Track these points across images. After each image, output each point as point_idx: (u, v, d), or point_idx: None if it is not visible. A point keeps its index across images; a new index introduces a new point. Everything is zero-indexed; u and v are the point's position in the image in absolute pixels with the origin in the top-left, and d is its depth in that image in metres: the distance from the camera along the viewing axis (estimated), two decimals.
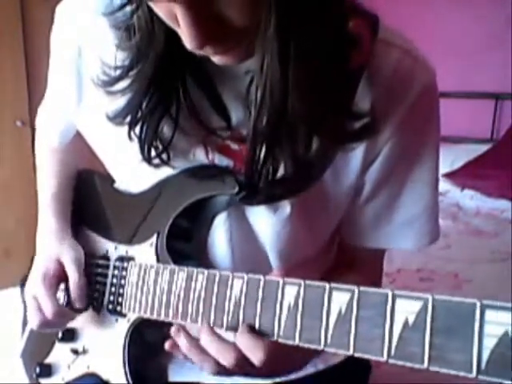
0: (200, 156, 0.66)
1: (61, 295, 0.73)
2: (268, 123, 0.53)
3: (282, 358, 0.55)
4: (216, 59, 0.53)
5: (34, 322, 0.74)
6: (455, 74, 2.80)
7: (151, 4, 0.50)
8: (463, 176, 2.61)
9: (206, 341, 0.56)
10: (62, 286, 0.73)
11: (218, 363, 0.56)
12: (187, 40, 0.47)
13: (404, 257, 1.76)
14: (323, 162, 0.61)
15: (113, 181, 0.78)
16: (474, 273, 1.75)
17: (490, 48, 2.98)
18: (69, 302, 0.73)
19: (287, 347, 0.52)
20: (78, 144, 0.82)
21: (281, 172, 0.58)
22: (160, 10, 0.50)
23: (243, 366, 0.55)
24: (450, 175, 2.64)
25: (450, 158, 2.68)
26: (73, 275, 0.73)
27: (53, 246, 0.77)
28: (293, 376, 0.76)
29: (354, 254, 0.75)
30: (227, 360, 0.55)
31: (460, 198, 2.58)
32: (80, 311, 0.74)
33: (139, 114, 0.62)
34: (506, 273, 1.69)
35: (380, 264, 0.79)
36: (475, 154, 2.76)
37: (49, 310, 0.72)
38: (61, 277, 0.74)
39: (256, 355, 0.53)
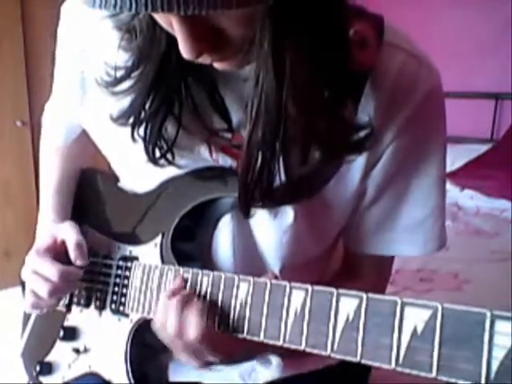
0: (204, 155, 0.66)
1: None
2: (263, 135, 0.53)
3: (218, 343, 0.57)
4: (215, 65, 0.53)
5: (43, 292, 0.71)
6: (455, 74, 2.79)
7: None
8: (463, 176, 2.60)
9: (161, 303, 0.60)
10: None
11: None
12: (183, 50, 0.48)
13: (404, 257, 1.76)
14: (323, 174, 0.60)
15: (117, 180, 0.78)
16: (474, 273, 1.75)
17: (490, 48, 2.97)
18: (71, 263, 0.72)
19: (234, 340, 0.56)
20: (82, 143, 0.82)
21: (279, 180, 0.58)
22: (158, 17, 0.50)
23: (181, 336, 0.57)
24: (450, 175, 2.64)
25: (450, 158, 2.68)
26: (69, 235, 0.73)
27: (47, 229, 0.77)
28: (291, 372, 0.77)
29: (359, 261, 0.75)
30: (170, 323, 0.58)
31: (460, 198, 2.57)
32: (83, 268, 0.73)
33: (142, 114, 0.62)
34: (506, 273, 1.69)
35: (387, 272, 0.78)
36: (475, 154, 2.76)
37: (53, 273, 0.70)
38: (55, 249, 0.73)
39: (189, 329, 0.56)
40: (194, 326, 0.56)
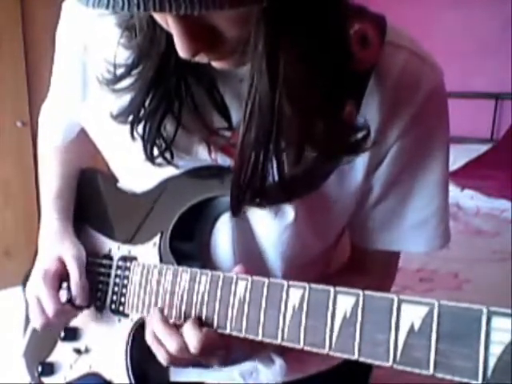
0: (203, 155, 0.66)
1: (63, 293, 0.73)
2: (257, 136, 0.53)
3: (221, 350, 0.58)
4: (213, 63, 0.53)
5: (36, 322, 0.74)
6: (455, 74, 2.79)
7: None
8: (463, 176, 2.61)
9: (156, 328, 0.59)
10: (65, 284, 0.74)
11: (167, 351, 0.59)
12: (179, 49, 0.48)
13: (404, 256, 1.75)
14: (318, 174, 0.60)
15: (116, 180, 0.78)
16: (474, 273, 1.75)
17: (490, 48, 2.98)
18: (70, 300, 0.73)
19: (230, 341, 0.56)
20: (80, 143, 0.82)
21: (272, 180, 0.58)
22: (156, 15, 0.50)
23: (184, 354, 0.57)
24: (450, 175, 2.63)
25: (450, 158, 2.65)
26: (74, 273, 0.74)
27: (54, 245, 0.77)
28: (292, 375, 0.77)
29: (365, 256, 0.75)
30: (171, 345, 0.57)
31: (460, 198, 2.58)
32: (81, 308, 0.74)
33: (142, 112, 0.62)
34: (506, 273, 1.69)
35: (394, 265, 0.79)
36: (475, 154, 2.76)
37: (50, 310, 0.72)
38: (62, 275, 0.75)
39: (192, 343, 0.56)
40: (193, 341, 0.56)
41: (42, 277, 0.73)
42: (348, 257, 0.79)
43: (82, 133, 0.79)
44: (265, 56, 0.48)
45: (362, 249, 0.74)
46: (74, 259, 0.75)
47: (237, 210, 0.61)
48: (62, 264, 0.75)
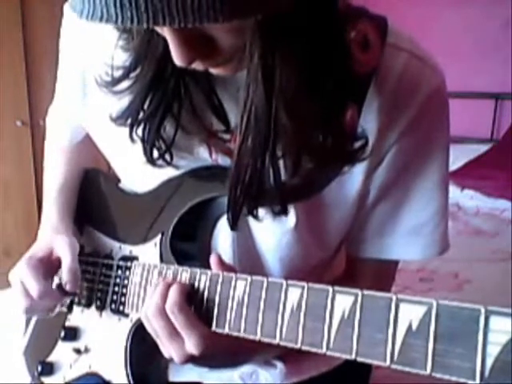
0: (204, 156, 0.66)
1: (55, 279, 0.72)
2: (253, 147, 0.53)
3: (208, 340, 0.56)
4: (210, 70, 0.53)
5: (21, 306, 0.72)
6: (455, 74, 2.79)
7: None
8: (463, 176, 2.60)
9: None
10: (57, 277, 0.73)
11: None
12: (175, 57, 0.48)
13: (404, 261, 1.76)
14: (315, 183, 0.60)
15: (118, 181, 0.78)
16: (474, 273, 1.75)
17: (490, 48, 2.97)
18: (60, 286, 0.71)
19: (222, 337, 0.55)
20: (86, 145, 0.82)
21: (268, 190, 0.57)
22: None
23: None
24: (450, 175, 2.63)
25: (450, 158, 2.67)
26: (66, 257, 0.72)
27: (47, 237, 0.77)
28: (294, 379, 0.77)
29: (360, 268, 0.73)
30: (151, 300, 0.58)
31: (460, 198, 2.57)
32: (71, 295, 0.73)
33: (141, 115, 0.62)
34: (506, 273, 1.69)
35: (389, 281, 0.76)
36: (475, 154, 2.76)
37: (34, 291, 0.69)
38: (49, 262, 0.73)
39: (170, 301, 0.57)
40: (173, 298, 0.57)
41: (26, 261, 0.72)
42: (343, 270, 0.77)
43: (88, 135, 0.79)
44: (260, 66, 0.48)
45: (356, 261, 0.73)
46: (66, 245, 0.74)
47: (233, 223, 0.60)
48: (51, 253, 0.74)
